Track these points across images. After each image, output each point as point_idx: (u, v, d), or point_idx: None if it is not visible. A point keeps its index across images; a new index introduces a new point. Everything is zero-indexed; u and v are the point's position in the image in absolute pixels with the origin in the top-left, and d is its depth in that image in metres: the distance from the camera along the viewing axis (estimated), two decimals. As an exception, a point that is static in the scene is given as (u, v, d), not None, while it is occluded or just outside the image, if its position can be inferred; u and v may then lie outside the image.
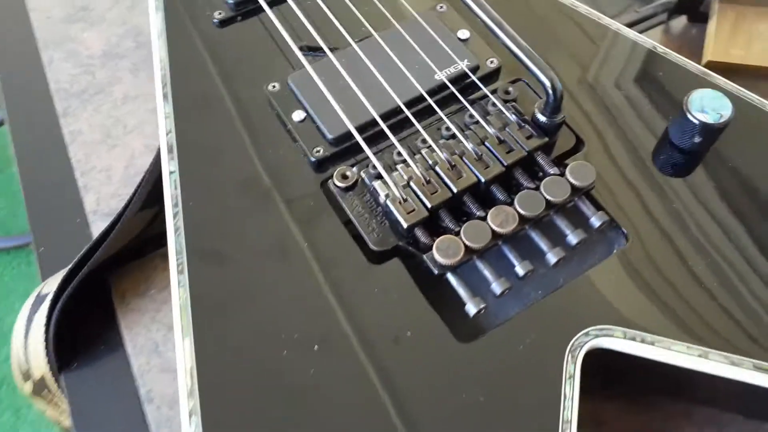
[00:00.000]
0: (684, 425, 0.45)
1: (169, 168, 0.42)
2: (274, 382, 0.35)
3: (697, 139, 0.41)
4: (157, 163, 0.50)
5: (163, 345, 0.50)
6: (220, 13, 0.49)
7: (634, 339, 0.36)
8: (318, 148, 0.42)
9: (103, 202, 0.57)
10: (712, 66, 0.59)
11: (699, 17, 0.64)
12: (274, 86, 0.44)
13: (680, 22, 0.66)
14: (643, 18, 0.66)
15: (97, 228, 0.56)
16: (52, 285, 0.49)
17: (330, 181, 0.41)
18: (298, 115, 0.43)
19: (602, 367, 0.40)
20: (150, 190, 0.50)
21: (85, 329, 0.51)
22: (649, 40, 0.47)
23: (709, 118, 0.40)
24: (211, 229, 0.40)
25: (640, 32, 0.48)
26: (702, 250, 0.39)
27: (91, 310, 0.51)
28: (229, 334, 0.36)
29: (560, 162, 0.42)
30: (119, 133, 0.61)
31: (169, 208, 0.41)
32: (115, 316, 0.51)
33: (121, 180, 0.59)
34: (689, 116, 0.40)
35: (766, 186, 0.41)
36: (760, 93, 0.45)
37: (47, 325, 0.48)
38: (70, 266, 0.49)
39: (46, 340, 0.48)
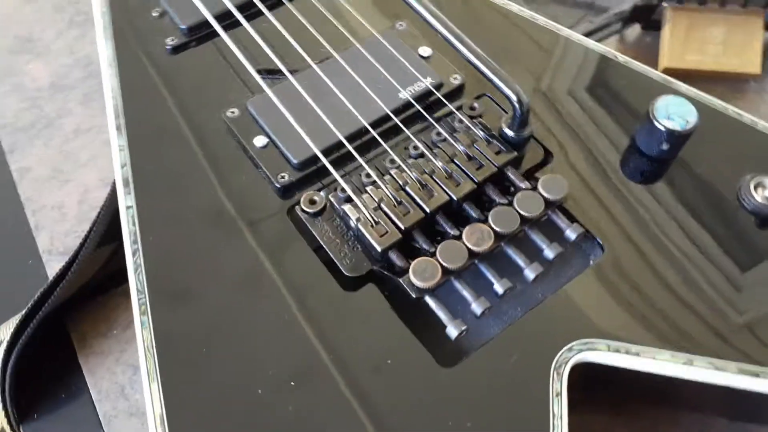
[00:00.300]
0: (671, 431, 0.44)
1: (125, 203, 0.40)
2: (250, 422, 0.33)
3: (664, 146, 0.41)
4: (113, 197, 0.47)
5: (130, 387, 0.47)
6: (172, 39, 0.47)
7: (618, 351, 0.36)
8: (283, 174, 0.41)
9: (57, 240, 0.55)
10: (669, 72, 0.60)
11: (652, 25, 0.65)
12: (233, 112, 0.43)
13: (634, 30, 0.67)
14: (597, 28, 0.66)
15: (52, 268, 0.53)
16: (5, 332, 0.47)
17: (297, 207, 0.40)
18: (259, 141, 0.42)
19: (586, 380, 0.39)
20: (107, 226, 0.47)
21: (44, 376, 0.48)
22: (610, 50, 0.47)
23: (675, 125, 0.40)
24: (173, 266, 0.38)
25: (596, 42, 0.49)
26: (677, 256, 0.39)
27: (50, 356, 0.49)
28: (200, 376, 0.35)
29: (530, 176, 0.41)
30: (71, 167, 0.59)
31: (127, 245, 0.39)
32: (77, 360, 0.49)
33: (75, 217, 0.56)
34: (656, 123, 0.40)
35: (734, 189, 0.41)
36: (717, 96, 0.45)
37: (3, 374, 0.45)
38: (24, 311, 0.46)
39: (3, 390, 0.45)
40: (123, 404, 0.46)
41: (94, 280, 0.50)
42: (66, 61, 0.66)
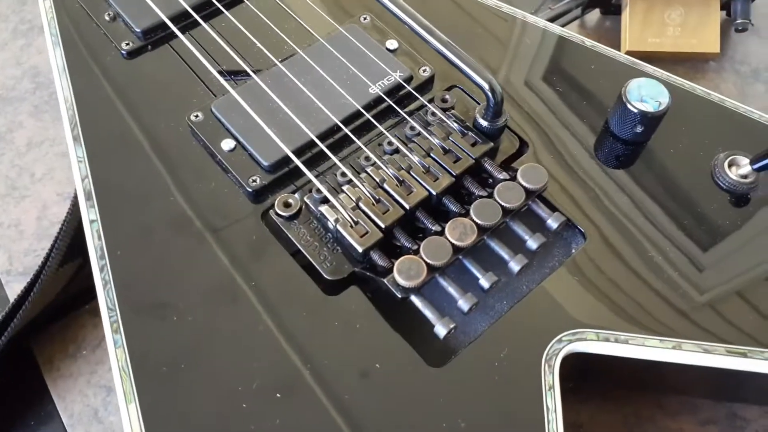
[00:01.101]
0: (658, 415, 0.44)
1: (89, 217, 0.38)
2: (237, 439, 0.32)
3: (638, 129, 0.41)
4: (74, 211, 0.45)
5: (104, 409, 0.45)
6: (127, 44, 0.45)
7: (608, 339, 0.35)
8: (254, 177, 0.39)
9: (16, 260, 0.52)
10: (631, 55, 0.60)
11: (612, 9, 0.65)
12: (196, 116, 0.41)
13: (594, 15, 0.67)
14: (558, 15, 0.66)
15: (11, 289, 0.50)
16: (-34, 361, 0.44)
17: (271, 210, 0.38)
18: (227, 144, 0.40)
19: (572, 371, 0.39)
20: (70, 242, 0.45)
21: (11, 403, 0.45)
22: (576, 35, 0.47)
23: (648, 107, 0.40)
24: (144, 280, 0.36)
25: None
26: (658, 239, 0.38)
27: (16, 382, 0.46)
28: (180, 393, 0.33)
29: (507, 166, 0.41)
30: (26, 182, 0.56)
31: (94, 260, 0.37)
32: (45, 384, 0.46)
33: (34, 234, 0.53)
34: (629, 106, 0.40)
35: (708, 168, 0.41)
36: (679, 77, 0.45)
37: (-34, 405, 0.43)
38: (-15, 337, 0.44)
39: (-33, 422, 0.43)
40: (97, 428, 0.44)
41: (58, 300, 0.47)
42: (13, 72, 0.63)
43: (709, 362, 0.36)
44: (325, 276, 0.36)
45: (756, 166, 0.40)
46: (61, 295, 0.47)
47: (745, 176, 0.40)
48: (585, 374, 0.42)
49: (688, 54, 0.61)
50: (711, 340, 0.35)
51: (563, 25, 0.66)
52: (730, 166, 0.41)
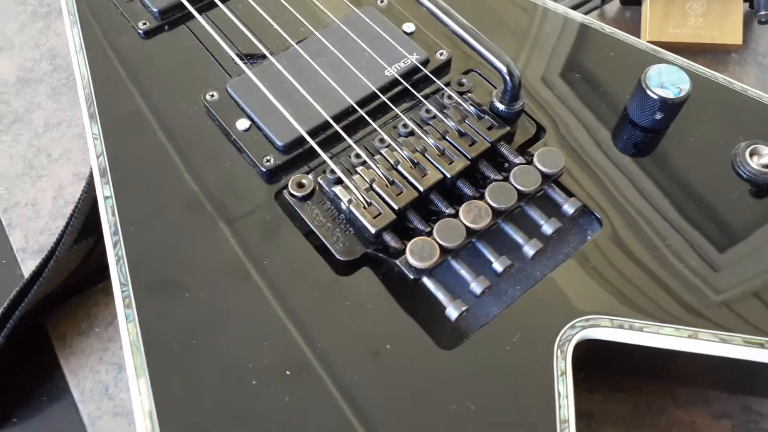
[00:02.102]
0: (669, 406, 0.44)
1: (104, 193, 0.38)
2: (245, 414, 0.32)
3: (658, 116, 0.40)
4: (89, 190, 0.45)
5: (114, 386, 0.45)
6: (144, 23, 0.45)
7: (621, 326, 0.35)
8: (268, 157, 0.39)
9: (31, 238, 0.52)
10: (651, 46, 0.59)
11: (632, 0, 0.64)
12: (212, 95, 0.41)
13: (614, 5, 0.66)
14: (577, 4, 0.65)
15: (27, 267, 0.51)
16: (-20, 335, 0.45)
17: (285, 191, 0.38)
18: (242, 124, 0.40)
19: (584, 359, 0.38)
20: (84, 220, 0.45)
21: (24, 379, 0.46)
22: (596, 21, 0.47)
23: (669, 93, 0.39)
24: (157, 256, 0.36)
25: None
26: (676, 227, 0.38)
27: (29, 358, 0.47)
28: (190, 369, 0.33)
29: (523, 151, 0.40)
30: (43, 163, 0.56)
31: (108, 236, 0.37)
32: (57, 360, 0.47)
33: (50, 213, 0.54)
34: (649, 92, 0.39)
35: (729, 158, 0.40)
36: (700, 67, 0.45)
37: (-21, 379, 0.43)
38: (0, 311, 0.44)
39: (-21, 396, 0.43)
40: (107, 404, 0.44)
41: (72, 278, 0.47)
42: (32, 54, 0.64)
43: (725, 352, 0.35)
44: (338, 257, 0.36)
45: (778, 155, 0.39)
46: (75, 273, 0.47)
47: (767, 166, 0.40)
48: (596, 363, 0.42)
49: (709, 45, 0.60)
50: (728, 329, 0.35)
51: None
52: (751, 155, 0.40)
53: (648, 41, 0.60)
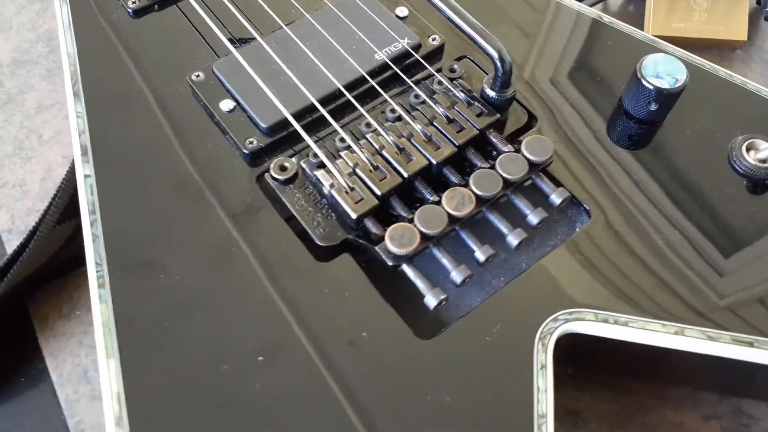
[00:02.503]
0: (658, 407, 0.43)
1: (83, 172, 0.37)
2: (214, 400, 0.31)
3: (653, 107, 0.39)
4: (74, 171, 0.45)
5: (94, 370, 0.45)
6: (134, 2, 0.44)
7: (606, 321, 0.34)
8: (251, 139, 0.38)
9: (18, 219, 0.52)
10: (654, 41, 0.58)
11: (637, -7, 0.63)
12: (197, 75, 0.40)
13: (618, -1, 0.65)
14: (581, -3, 0.64)
15: (12, 247, 0.50)
16: (-40, 314, 0.44)
17: (267, 174, 0.37)
18: (226, 105, 0.39)
19: (570, 354, 0.37)
20: (68, 201, 0.45)
21: (3, 360, 0.45)
22: (594, 11, 0.45)
23: (664, 83, 0.38)
24: (134, 237, 0.35)
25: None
26: (668, 221, 0.37)
27: (9, 339, 0.46)
28: (160, 352, 0.32)
29: (514, 140, 0.39)
30: (34, 144, 0.56)
31: (85, 215, 0.36)
32: (37, 342, 0.46)
33: (37, 195, 0.53)
34: (644, 82, 0.38)
35: (725, 152, 0.39)
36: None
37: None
38: (-21, 291, 0.43)
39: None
40: (85, 388, 0.44)
41: (55, 260, 0.47)
42: (28, 36, 0.63)
43: (713, 350, 0.34)
44: (318, 242, 0.35)
45: (775, 150, 0.38)
46: (58, 254, 0.47)
47: (763, 161, 0.38)
48: (584, 359, 0.41)
49: (713, 41, 0.59)
50: (716, 327, 0.34)
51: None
52: (748, 150, 0.39)
53: (651, 35, 0.59)
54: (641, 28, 0.60)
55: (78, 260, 0.48)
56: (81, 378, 0.44)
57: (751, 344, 0.34)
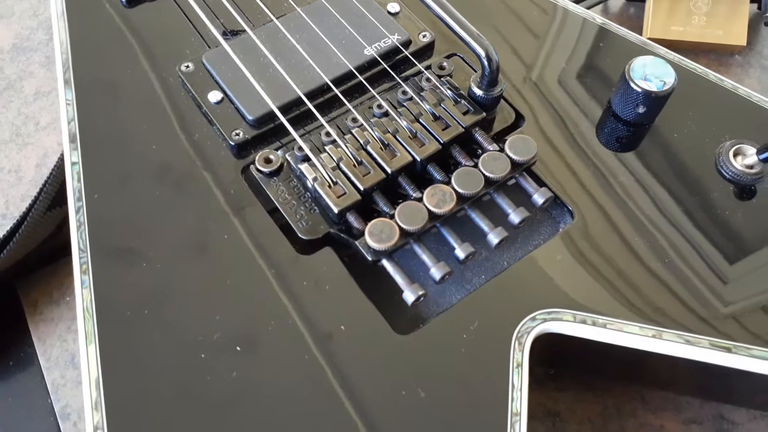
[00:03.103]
0: (639, 410, 0.43)
1: (71, 159, 0.38)
2: (191, 388, 0.32)
3: (641, 109, 0.39)
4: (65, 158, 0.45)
5: (80, 356, 0.45)
6: (128, -8, 0.45)
7: (584, 322, 0.34)
8: (237, 131, 0.38)
9: (12, 204, 0.52)
10: (653, 43, 0.58)
11: (637, -5, 0.63)
12: (187, 66, 0.41)
13: (618, 1, 0.65)
14: (581, -2, 0.64)
15: (5, 232, 0.51)
16: (-50, 296, 0.45)
17: (252, 166, 0.38)
18: (214, 96, 0.39)
19: (552, 355, 0.38)
20: (58, 188, 0.45)
21: (-9, 344, 0.46)
22: (587, 11, 0.45)
23: (652, 86, 0.38)
24: (118, 225, 0.36)
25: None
26: (651, 225, 0.37)
27: (-1, 323, 0.47)
28: (139, 339, 0.33)
29: (500, 139, 0.39)
30: (30, 130, 0.56)
31: (71, 202, 0.36)
32: (27, 326, 0.46)
33: (32, 180, 0.54)
34: (632, 85, 0.38)
35: (712, 157, 0.39)
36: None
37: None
38: (-30, 274, 0.44)
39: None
40: (72, 373, 0.44)
41: (46, 245, 0.47)
42: (29, 23, 0.64)
43: (690, 354, 0.34)
44: (300, 235, 0.36)
45: (763, 156, 0.38)
46: (49, 240, 0.47)
47: (750, 166, 0.38)
48: (567, 361, 0.41)
49: (712, 45, 0.59)
50: (694, 331, 0.34)
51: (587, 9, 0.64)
52: (735, 155, 0.39)
53: (650, 38, 0.59)
54: (641, 30, 0.60)
55: (69, 246, 0.49)
56: (68, 363, 0.45)
57: (728, 350, 0.34)
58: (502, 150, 0.37)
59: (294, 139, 0.38)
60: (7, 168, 0.54)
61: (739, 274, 0.36)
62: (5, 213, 0.52)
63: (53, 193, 0.45)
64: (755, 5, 0.60)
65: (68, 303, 0.47)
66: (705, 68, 0.43)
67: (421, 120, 0.38)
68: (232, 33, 0.43)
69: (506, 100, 0.41)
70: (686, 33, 0.59)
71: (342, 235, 0.36)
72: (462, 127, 0.38)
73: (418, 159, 0.36)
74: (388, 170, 0.36)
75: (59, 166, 0.45)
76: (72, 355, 0.45)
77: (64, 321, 0.47)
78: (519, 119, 0.40)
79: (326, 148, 0.37)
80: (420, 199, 0.35)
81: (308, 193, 0.37)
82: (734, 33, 0.58)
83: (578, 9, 0.45)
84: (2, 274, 0.45)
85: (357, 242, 0.34)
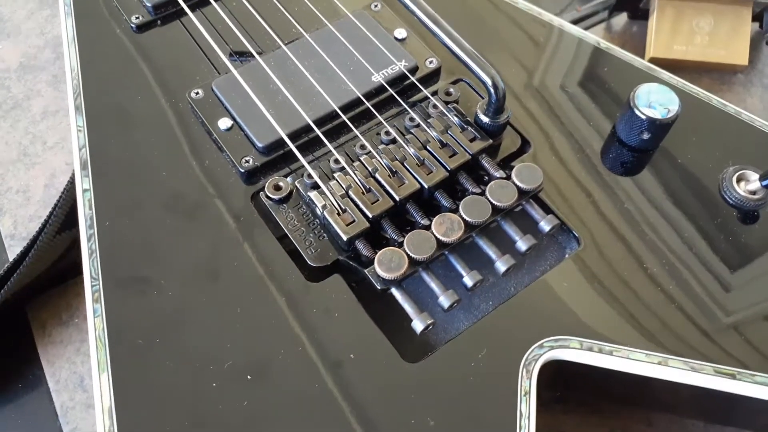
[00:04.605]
0: (645, 433, 0.43)
1: (82, 186, 0.38)
2: (202, 417, 0.32)
3: (645, 136, 0.39)
4: (74, 181, 0.46)
5: (89, 378, 0.46)
6: (137, 17, 0.45)
7: (591, 349, 0.34)
8: (247, 158, 0.39)
9: (20, 225, 0.53)
10: (655, 62, 0.58)
11: (639, 14, 0.63)
12: (197, 93, 0.41)
13: (621, 19, 0.65)
14: (584, 16, 0.65)
15: (13, 253, 0.51)
16: (-40, 319, 0.45)
17: (262, 193, 0.38)
18: (224, 123, 0.40)
19: (557, 378, 0.38)
20: (68, 211, 0.45)
21: (0, 366, 0.46)
22: (593, 36, 0.46)
23: (656, 114, 0.38)
24: (129, 252, 0.36)
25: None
26: (657, 251, 0.37)
27: (8, 344, 0.47)
28: (152, 368, 0.33)
29: (506, 165, 0.40)
30: (38, 150, 0.57)
31: (83, 229, 0.37)
32: (35, 349, 0.47)
33: (40, 201, 0.54)
34: (636, 112, 0.39)
35: (716, 182, 0.40)
36: (703, 87, 0.44)
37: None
38: (-20, 297, 0.44)
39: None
40: (81, 396, 0.45)
41: (55, 268, 0.48)
42: (36, 41, 0.64)
43: (695, 381, 0.34)
44: (309, 262, 0.36)
45: (766, 182, 0.38)
46: (58, 262, 0.47)
47: (753, 192, 0.39)
48: (571, 384, 0.41)
49: (714, 65, 0.59)
50: (699, 358, 0.34)
51: (588, 28, 0.65)
52: (738, 181, 0.39)
53: (652, 57, 0.59)
54: (643, 49, 0.60)
55: (77, 268, 0.49)
56: (77, 386, 0.45)
57: (733, 376, 0.34)
58: (508, 177, 0.37)
59: (302, 166, 0.38)
60: (15, 188, 0.55)
61: (744, 301, 0.36)
62: (14, 233, 0.52)
63: (63, 216, 0.46)
64: (757, 24, 0.61)
65: (77, 324, 0.48)
66: (708, 93, 0.43)
67: (428, 147, 0.38)
68: (240, 58, 0.43)
69: (512, 126, 0.41)
70: (689, 52, 0.59)
71: (351, 262, 0.36)
72: (469, 154, 0.38)
73: (426, 186, 0.37)
74: (397, 198, 0.36)
75: (68, 190, 0.46)
76: (81, 377, 0.46)
77: (72, 343, 0.47)
78: (525, 144, 0.41)
79: (335, 175, 0.37)
80: (428, 227, 0.35)
81: (317, 220, 0.37)
82: (736, 52, 0.59)
83: (582, 33, 0.46)
84: (12, 296, 0.45)
85: (366, 271, 0.35)
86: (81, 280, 0.49)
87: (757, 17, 0.59)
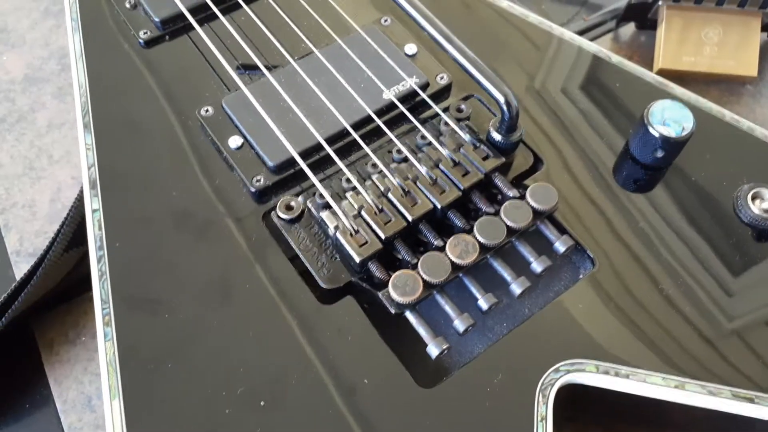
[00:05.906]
0: (658, 453, 0.42)
1: (92, 206, 0.38)
2: (217, 445, 0.31)
3: (659, 154, 0.39)
4: (82, 198, 0.45)
5: (97, 398, 0.45)
6: (145, 33, 0.45)
7: (607, 372, 0.34)
8: (258, 177, 0.38)
9: (26, 241, 0.52)
10: (663, 73, 0.58)
11: (647, 24, 0.63)
12: (207, 110, 0.41)
13: (629, 29, 0.65)
14: (591, 26, 0.64)
15: (19, 270, 0.51)
16: (-33, 338, 0.44)
17: (273, 212, 0.38)
18: (234, 142, 0.39)
19: (572, 399, 0.37)
20: (75, 229, 0.45)
21: (8, 384, 0.46)
22: (603, 50, 0.45)
23: (671, 131, 0.38)
24: (140, 274, 0.36)
25: (590, 41, 0.46)
26: (672, 272, 0.37)
27: (14, 363, 0.46)
28: (164, 394, 0.32)
29: (519, 183, 0.39)
30: (44, 164, 0.56)
31: (93, 251, 0.36)
32: (43, 368, 0.46)
33: (46, 216, 0.54)
34: (650, 129, 0.38)
35: (730, 200, 0.39)
36: (711, 99, 0.44)
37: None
38: (-13, 315, 0.44)
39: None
40: (89, 416, 0.44)
41: (62, 285, 0.47)
42: (41, 53, 0.64)
43: (713, 405, 0.34)
44: (321, 284, 0.36)
45: (781, 200, 0.38)
46: (66, 279, 0.47)
47: (768, 210, 0.38)
48: (585, 404, 0.41)
49: (723, 75, 0.59)
50: (717, 381, 0.34)
51: (596, 38, 0.64)
52: (753, 199, 0.39)
53: (661, 68, 0.59)
54: (651, 60, 0.60)
55: (85, 284, 0.49)
56: (85, 406, 0.45)
57: (751, 400, 0.34)
58: (522, 196, 0.37)
59: (314, 185, 0.38)
60: (20, 203, 0.54)
61: (761, 322, 0.36)
62: (19, 249, 0.52)
63: (70, 234, 0.45)
64: (766, 34, 0.60)
65: (84, 343, 0.47)
66: (721, 108, 0.43)
67: (440, 166, 0.38)
68: (250, 74, 0.43)
69: (525, 143, 0.41)
70: (698, 63, 0.59)
71: (364, 284, 0.36)
72: (482, 172, 0.38)
73: (439, 206, 0.36)
74: (410, 218, 0.36)
75: (76, 208, 0.45)
76: (89, 397, 0.45)
77: (80, 362, 0.46)
78: (537, 162, 0.40)
79: (347, 194, 0.37)
80: (442, 249, 0.35)
81: (329, 241, 0.37)
82: (746, 63, 0.58)
83: (594, 47, 0.45)
84: (19, 314, 0.45)
85: (380, 294, 0.34)
86: (88, 297, 0.49)
87: (766, 27, 0.59)
